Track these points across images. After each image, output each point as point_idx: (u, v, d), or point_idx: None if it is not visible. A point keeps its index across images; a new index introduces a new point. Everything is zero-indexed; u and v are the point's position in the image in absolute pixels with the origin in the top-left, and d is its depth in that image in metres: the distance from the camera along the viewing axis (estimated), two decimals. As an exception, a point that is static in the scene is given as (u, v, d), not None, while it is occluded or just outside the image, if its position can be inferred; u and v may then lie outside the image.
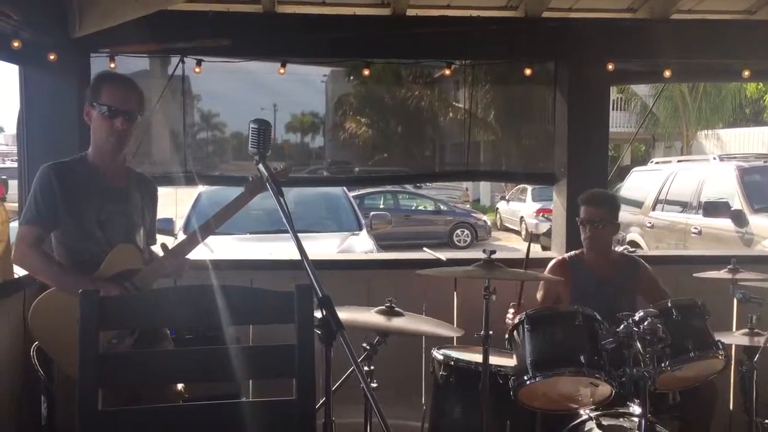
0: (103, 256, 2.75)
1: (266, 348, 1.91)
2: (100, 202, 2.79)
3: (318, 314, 1.88)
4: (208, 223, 2.93)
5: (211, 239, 6.17)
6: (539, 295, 3.67)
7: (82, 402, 1.69)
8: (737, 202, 9.10)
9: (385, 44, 4.10)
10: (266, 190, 2.90)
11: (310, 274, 1.88)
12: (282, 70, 4.03)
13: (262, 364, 1.93)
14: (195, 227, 3.01)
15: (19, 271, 3.19)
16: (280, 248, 5.00)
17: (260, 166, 2.20)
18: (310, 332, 1.85)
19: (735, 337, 3.24)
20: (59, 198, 2.73)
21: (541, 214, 16.68)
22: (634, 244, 10.17)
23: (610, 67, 4.14)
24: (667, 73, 4.27)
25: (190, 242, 2.91)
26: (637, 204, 10.97)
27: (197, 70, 3.95)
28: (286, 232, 2.00)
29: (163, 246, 2.93)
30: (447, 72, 4.32)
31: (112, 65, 3.89)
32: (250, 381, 3.27)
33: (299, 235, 1.99)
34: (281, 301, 1.86)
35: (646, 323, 2.63)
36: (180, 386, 2.93)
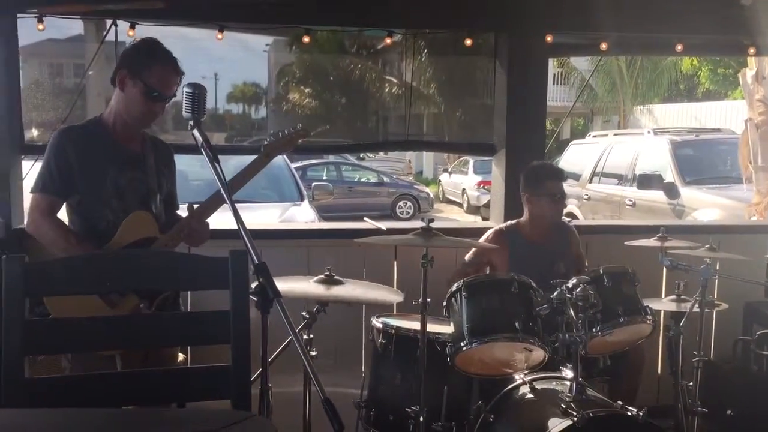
0: (120, 224, 2.65)
1: (202, 314, 1.89)
2: (118, 168, 2.69)
3: (255, 282, 1.87)
4: (231, 185, 2.83)
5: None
6: (467, 257, 3.73)
7: (7, 370, 1.64)
8: (669, 175, 9.38)
9: (326, 11, 4.03)
10: (283, 153, 2.86)
11: (246, 240, 1.86)
12: (220, 36, 3.93)
13: (198, 331, 1.91)
14: None
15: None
16: (220, 219, 4.92)
17: (195, 131, 2.15)
18: (245, 298, 1.83)
19: (663, 303, 3.36)
20: (75, 164, 2.62)
21: (482, 186, 16.90)
22: (571, 215, 10.41)
23: (549, 39, 4.18)
24: (604, 46, 4.34)
25: (211, 206, 2.80)
26: (575, 177, 11.20)
27: (131, 33, 3.82)
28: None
29: (190, 207, 2.80)
30: (388, 41, 4.29)
31: (41, 27, 3.73)
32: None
33: (240, 205, 1.96)
34: (216, 266, 1.84)
35: (578, 290, 2.71)
36: (181, 357, 2.81)
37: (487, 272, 3.70)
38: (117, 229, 2.65)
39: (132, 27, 3.82)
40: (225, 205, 1.96)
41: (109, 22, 3.88)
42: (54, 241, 2.65)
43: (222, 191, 1.97)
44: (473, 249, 3.73)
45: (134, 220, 2.69)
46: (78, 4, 3.69)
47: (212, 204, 2.81)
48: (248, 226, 1.89)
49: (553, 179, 3.65)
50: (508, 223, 3.82)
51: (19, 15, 3.70)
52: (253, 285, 1.86)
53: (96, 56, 3.95)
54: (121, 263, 1.79)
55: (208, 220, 2.84)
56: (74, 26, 3.99)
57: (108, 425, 1.47)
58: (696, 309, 3.18)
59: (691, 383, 3.26)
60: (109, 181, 2.68)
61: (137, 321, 1.85)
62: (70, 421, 1.49)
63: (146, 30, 3.85)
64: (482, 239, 3.73)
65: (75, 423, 1.49)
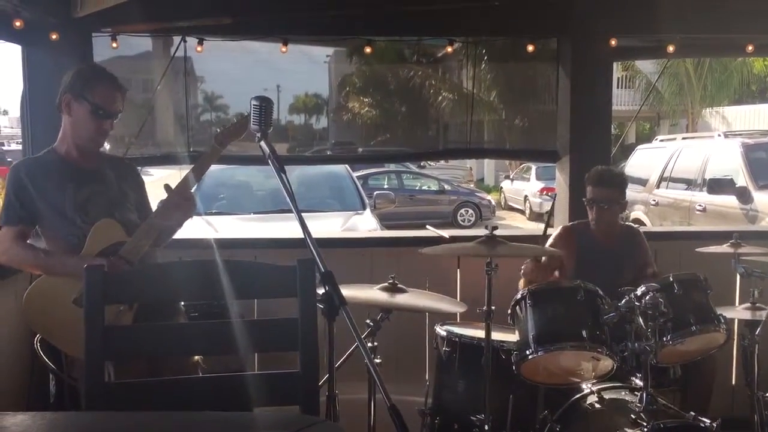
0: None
1: (270, 321, 1.93)
2: (75, 186, 2.81)
3: (321, 290, 1.90)
4: (187, 177, 2.90)
5: (215, 219, 6.21)
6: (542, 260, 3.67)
7: (89, 374, 1.71)
8: (742, 179, 9.07)
9: (386, 21, 4.08)
10: (236, 138, 2.93)
11: (312, 249, 1.89)
12: (284, 49, 4.02)
13: (266, 338, 1.94)
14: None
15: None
16: (284, 228, 5.02)
17: (262, 143, 2.20)
18: (313, 306, 1.86)
19: (737, 312, 3.25)
20: (33, 192, 2.75)
21: (545, 192, 16.69)
22: (638, 221, 10.17)
23: (613, 42, 4.12)
24: (671, 48, 4.24)
25: (187, 181, 2.88)
26: (642, 182, 10.94)
27: (199, 49, 3.95)
28: (290, 211, 2.00)
29: (167, 186, 2.88)
30: (449, 49, 4.31)
31: (114, 45, 3.89)
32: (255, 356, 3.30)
33: (303, 214, 1.99)
34: (283, 275, 1.87)
35: (647, 297, 2.65)
36: (197, 358, 2.91)
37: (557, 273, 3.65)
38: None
39: (200, 43, 3.94)
40: (291, 214, 1.99)
41: (178, 38, 4.02)
42: (26, 261, 2.81)
43: (289, 201, 2.01)
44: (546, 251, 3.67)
45: (100, 229, 2.77)
46: (150, 22, 3.83)
47: (188, 180, 2.87)
48: (310, 233, 1.92)
49: (594, 185, 3.54)
50: (578, 221, 3.77)
51: (94, 34, 3.86)
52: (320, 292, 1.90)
53: (166, 72, 4.09)
54: (197, 272, 1.84)
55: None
56: (142, 43, 4.13)
57: (181, 429, 1.52)
58: (773, 317, 3.06)
59: (768, 394, 3.15)
60: (69, 199, 2.78)
61: (213, 328, 1.90)
62: (145, 425, 1.54)
63: (214, 45, 3.97)
64: (551, 237, 3.70)
65: (149, 426, 1.54)
